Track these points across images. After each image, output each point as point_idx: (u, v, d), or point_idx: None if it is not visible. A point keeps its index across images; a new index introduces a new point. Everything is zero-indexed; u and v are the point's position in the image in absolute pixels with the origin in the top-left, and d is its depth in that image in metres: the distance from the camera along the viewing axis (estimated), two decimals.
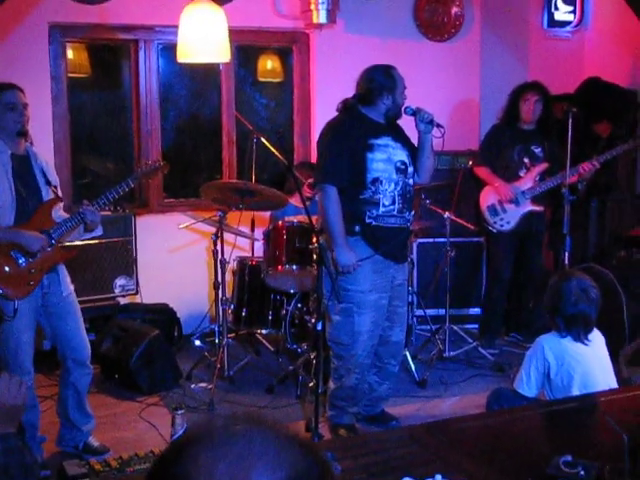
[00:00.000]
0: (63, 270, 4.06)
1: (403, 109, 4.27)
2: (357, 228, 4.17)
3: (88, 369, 4.16)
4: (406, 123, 4.41)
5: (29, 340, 3.91)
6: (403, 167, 4.26)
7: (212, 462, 0.97)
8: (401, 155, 4.27)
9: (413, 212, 4.39)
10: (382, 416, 4.59)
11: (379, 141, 4.21)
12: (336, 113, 4.36)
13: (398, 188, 4.22)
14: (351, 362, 4.29)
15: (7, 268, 3.77)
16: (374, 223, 4.19)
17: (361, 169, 4.16)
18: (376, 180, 4.17)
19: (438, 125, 4.22)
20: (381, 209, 4.19)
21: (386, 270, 4.27)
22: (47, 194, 3.93)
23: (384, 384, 4.54)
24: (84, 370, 4.14)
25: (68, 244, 4.11)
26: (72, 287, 4.12)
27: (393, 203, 4.21)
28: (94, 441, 4.27)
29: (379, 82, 4.27)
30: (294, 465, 0.99)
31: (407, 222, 4.32)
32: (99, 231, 4.08)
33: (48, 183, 3.94)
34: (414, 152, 4.36)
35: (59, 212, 3.99)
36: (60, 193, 4.06)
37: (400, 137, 4.34)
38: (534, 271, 5.98)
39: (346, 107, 4.33)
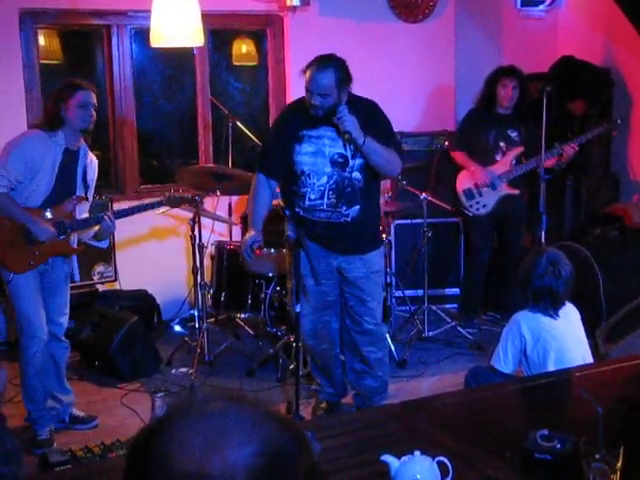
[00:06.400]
0: (74, 257, 4.31)
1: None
2: (287, 212, 4.10)
3: (64, 343, 4.35)
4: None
5: (39, 304, 4.11)
6: (341, 160, 4.02)
7: (187, 435, 1.00)
8: (342, 147, 4.01)
9: (358, 207, 4.07)
10: None
11: (313, 132, 4.02)
12: None
13: (331, 182, 4.02)
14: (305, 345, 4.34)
15: (13, 242, 4.01)
16: (302, 214, 4.07)
17: (290, 160, 4.07)
18: (303, 173, 4.05)
19: (351, 140, 3.88)
20: (307, 202, 4.06)
21: (326, 259, 4.15)
22: (80, 191, 4.17)
23: (369, 375, 4.36)
24: (60, 344, 4.33)
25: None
26: (77, 275, 4.41)
27: (322, 197, 4.04)
28: (79, 412, 4.44)
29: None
30: (268, 439, 1.00)
31: (343, 217, 4.07)
32: (105, 244, 4.42)
33: (84, 181, 4.18)
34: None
35: (83, 209, 4.23)
36: (91, 194, 4.29)
37: None
38: (514, 254, 5.96)
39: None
